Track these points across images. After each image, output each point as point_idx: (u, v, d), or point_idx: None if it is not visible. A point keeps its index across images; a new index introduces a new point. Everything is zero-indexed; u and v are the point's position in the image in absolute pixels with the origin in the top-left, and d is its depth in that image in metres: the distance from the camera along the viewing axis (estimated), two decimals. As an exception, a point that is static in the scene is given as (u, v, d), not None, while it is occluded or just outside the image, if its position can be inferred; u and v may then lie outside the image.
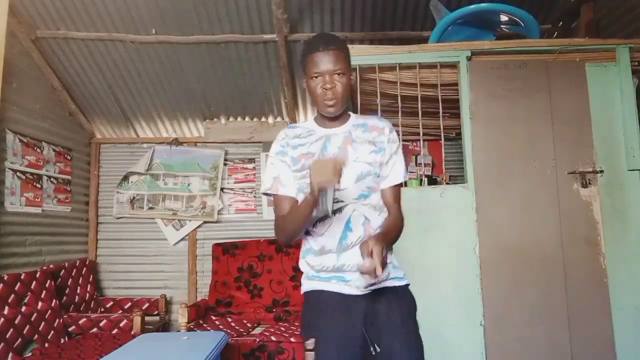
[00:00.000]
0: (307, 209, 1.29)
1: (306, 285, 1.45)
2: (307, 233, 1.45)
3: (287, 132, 1.49)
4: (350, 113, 1.51)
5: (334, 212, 1.37)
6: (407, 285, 1.45)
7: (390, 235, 1.36)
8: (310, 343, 1.33)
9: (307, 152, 1.42)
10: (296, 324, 3.59)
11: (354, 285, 1.35)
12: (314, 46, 1.37)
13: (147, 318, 3.38)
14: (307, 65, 1.39)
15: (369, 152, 1.42)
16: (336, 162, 1.20)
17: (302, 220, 1.34)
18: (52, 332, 3.12)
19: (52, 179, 3.73)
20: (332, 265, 1.38)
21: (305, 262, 1.45)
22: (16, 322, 2.86)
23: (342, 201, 1.37)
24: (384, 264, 1.17)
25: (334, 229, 1.38)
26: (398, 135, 1.52)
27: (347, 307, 1.35)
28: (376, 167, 1.42)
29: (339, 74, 1.36)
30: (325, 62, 1.35)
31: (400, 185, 1.48)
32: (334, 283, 1.38)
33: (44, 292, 3.16)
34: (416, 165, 4.27)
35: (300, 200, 1.39)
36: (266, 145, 4.43)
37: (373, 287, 1.36)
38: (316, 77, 1.38)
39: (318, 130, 1.46)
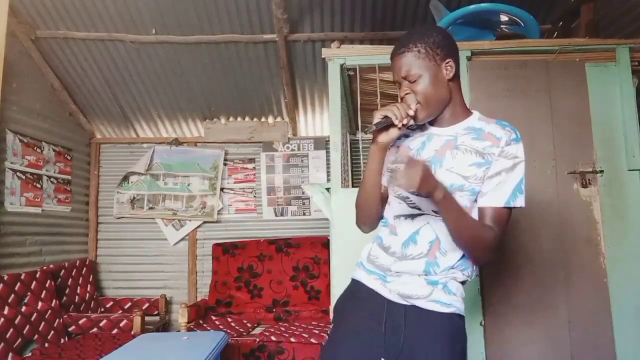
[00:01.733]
0: (369, 161, 1.27)
1: (355, 272, 1.41)
2: (385, 224, 1.37)
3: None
4: (474, 112, 1.32)
5: (407, 216, 1.29)
6: (455, 314, 1.27)
7: (462, 218, 1.17)
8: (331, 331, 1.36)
9: (406, 145, 1.34)
10: (296, 324, 3.59)
11: (389, 289, 1.29)
12: (393, 49, 1.26)
13: (147, 318, 3.39)
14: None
15: (470, 164, 1.22)
16: (424, 172, 1.09)
17: (367, 177, 1.30)
18: (52, 332, 3.12)
19: (52, 179, 3.73)
20: (385, 264, 1.31)
21: (370, 248, 1.38)
22: (16, 322, 2.86)
23: (418, 208, 1.27)
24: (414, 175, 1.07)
25: (402, 234, 1.29)
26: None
27: (375, 308, 1.29)
28: (473, 183, 1.22)
29: (412, 81, 1.22)
30: (396, 69, 1.25)
31: (506, 210, 1.24)
32: (374, 279, 1.33)
33: (44, 292, 3.16)
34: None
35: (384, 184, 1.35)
36: (266, 145, 4.44)
37: (411, 301, 1.26)
38: (397, 86, 1.28)
39: (427, 126, 1.33)
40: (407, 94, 1.24)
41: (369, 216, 1.37)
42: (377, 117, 1.21)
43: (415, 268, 1.26)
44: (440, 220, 1.23)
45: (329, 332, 1.36)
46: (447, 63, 1.24)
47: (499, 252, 1.28)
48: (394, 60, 1.25)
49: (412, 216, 1.29)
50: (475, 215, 1.25)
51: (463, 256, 1.27)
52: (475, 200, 1.25)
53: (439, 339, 1.23)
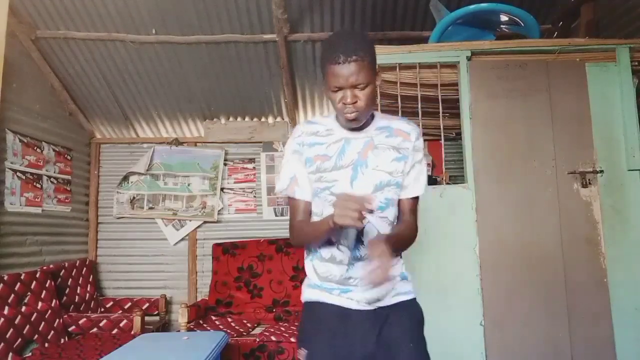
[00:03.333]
0: (324, 234, 1.23)
1: (307, 294, 1.38)
2: None
3: (304, 129, 1.37)
4: (374, 112, 1.38)
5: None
6: (414, 298, 1.38)
7: (400, 239, 1.29)
8: (303, 354, 1.30)
9: (323, 154, 1.32)
10: (296, 324, 3.59)
11: (357, 300, 1.29)
12: (334, 56, 1.20)
13: (147, 318, 3.39)
14: (326, 76, 1.24)
15: (391, 160, 1.32)
16: (362, 204, 1.10)
17: (317, 239, 1.31)
18: (52, 332, 3.12)
19: (52, 179, 3.73)
20: (339, 276, 1.31)
21: (312, 267, 1.38)
22: (16, 322, 2.86)
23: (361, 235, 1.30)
24: (388, 268, 1.11)
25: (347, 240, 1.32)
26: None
27: (346, 325, 1.29)
28: (397, 177, 1.32)
29: (361, 88, 1.22)
30: (346, 76, 1.20)
31: (418, 197, 1.38)
32: (336, 295, 1.32)
33: (44, 292, 3.16)
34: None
35: (316, 218, 1.35)
36: (266, 145, 4.44)
37: (379, 304, 1.30)
38: (336, 90, 1.24)
39: (338, 131, 1.34)
40: (354, 102, 1.22)
41: (316, 245, 1.38)
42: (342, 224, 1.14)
43: (369, 266, 1.24)
44: (377, 215, 1.30)
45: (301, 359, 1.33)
46: (378, 71, 1.30)
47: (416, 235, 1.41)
48: (342, 66, 1.19)
49: None
50: (396, 206, 1.36)
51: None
52: (398, 195, 1.35)
53: (411, 327, 1.33)
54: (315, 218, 1.37)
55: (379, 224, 1.31)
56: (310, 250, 1.40)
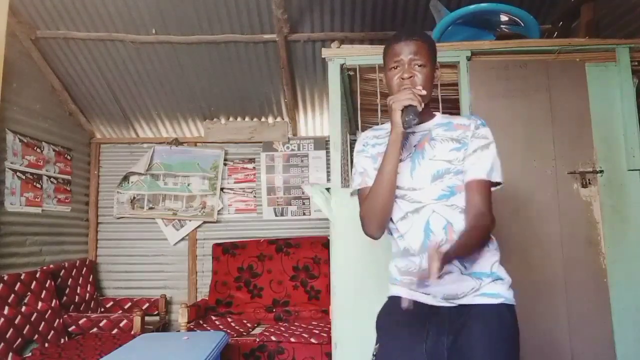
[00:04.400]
0: (389, 151, 1.26)
1: (390, 290, 1.41)
2: (392, 233, 1.38)
3: (367, 134, 1.47)
4: (437, 113, 1.41)
5: (412, 212, 1.30)
6: (504, 304, 1.25)
7: (463, 248, 1.20)
8: (376, 349, 1.32)
9: (384, 151, 1.33)
10: (296, 323, 3.59)
11: (433, 294, 1.27)
12: (397, 37, 1.30)
13: (147, 318, 3.39)
14: (387, 58, 1.30)
15: (450, 150, 1.31)
16: (411, 89, 1.21)
17: (384, 172, 1.27)
18: (52, 332, 3.12)
19: (52, 179, 3.73)
20: (417, 268, 1.30)
21: (394, 265, 1.40)
22: (16, 322, 2.86)
23: (419, 201, 1.30)
24: (439, 269, 1.04)
25: (416, 231, 1.30)
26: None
27: (417, 321, 1.27)
28: (457, 165, 1.30)
29: (420, 65, 1.27)
30: (405, 51, 1.27)
31: (487, 183, 1.31)
32: (413, 289, 1.30)
33: (44, 292, 3.16)
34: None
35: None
36: (266, 145, 4.44)
37: (457, 301, 1.26)
38: (395, 67, 1.29)
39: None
40: (412, 76, 1.27)
41: (384, 220, 1.33)
42: (399, 107, 1.23)
43: None
44: (443, 204, 1.29)
45: (374, 353, 1.32)
46: (438, 68, 1.35)
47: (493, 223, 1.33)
48: (404, 42, 1.28)
49: (417, 210, 1.31)
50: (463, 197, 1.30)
51: None
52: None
53: (485, 332, 1.20)
54: None
55: (448, 213, 1.29)
56: (392, 251, 1.41)
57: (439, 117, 1.40)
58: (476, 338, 1.20)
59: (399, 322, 1.31)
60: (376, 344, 1.33)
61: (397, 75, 1.29)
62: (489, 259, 1.30)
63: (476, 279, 1.26)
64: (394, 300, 1.35)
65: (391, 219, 1.35)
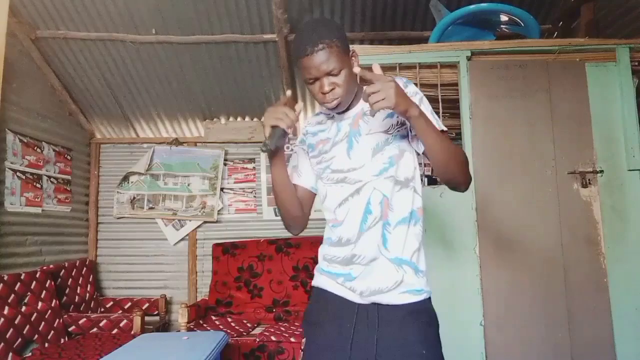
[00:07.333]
0: (271, 168, 1.31)
1: (315, 279, 1.38)
2: (327, 222, 1.37)
3: (310, 120, 1.45)
4: (364, 88, 1.41)
5: (353, 194, 1.28)
6: (427, 299, 1.28)
7: (435, 131, 1.18)
8: (303, 343, 1.32)
9: (325, 138, 1.36)
10: (296, 324, 3.59)
11: (359, 291, 1.25)
12: (301, 50, 1.22)
13: (147, 318, 3.39)
14: (301, 70, 1.27)
15: (383, 119, 1.29)
16: (284, 105, 1.20)
17: (274, 181, 1.33)
18: (52, 332, 3.12)
19: (52, 179, 3.73)
20: (343, 256, 1.27)
21: (322, 254, 1.37)
22: (16, 322, 2.86)
23: (360, 180, 1.27)
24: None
25: (354, 214, 1.27)
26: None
27: (343, 319, 1.26)
28: (395, 132, 1.28)
29: (335, 74, 1.23)
30: (317, 66, 1.21)
31: (445, 133, 1.25)
32: (340, 283, 1.28)
33: (44, 292, 3.16)
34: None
35: (305, 187, 1.40)
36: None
37: (383, 298, 1.23)
38: (312, 82, 1.26)
39: (335, 114, 1.36)
40: (332, 89, 1.23)
41: (293, 218, 1.38)
42: (267, 130, 1.22)
43: (374, 236, 1.25)
44: (383, 178, 1.25)
45: (302, 348, 1.32)
46: (352, 54, 1.28)
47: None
48: (311, 57, 1.21)
49: (357, 190, 1.28)
50: (407, 162, 1.28)
51: (411, 211, 1.27)
52: (404, 150, 1.29)
53: (413, 329, 1.23)
54: (320, 200, 1.39)
55: (385, 186, 1.25)
56: (324, 237, 1.39)
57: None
58: (409, 332, 1.22)
59: (325, 316, 1.29)
60: (304, 338, 1.32)
61: (317, 90, 1.25)
62: (412, 243, 1.27)
63: (397, 267, 1.24)
64: (320, 294, 1.34)
65: (328, 207, 1.34)
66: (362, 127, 1.31)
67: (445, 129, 1.27)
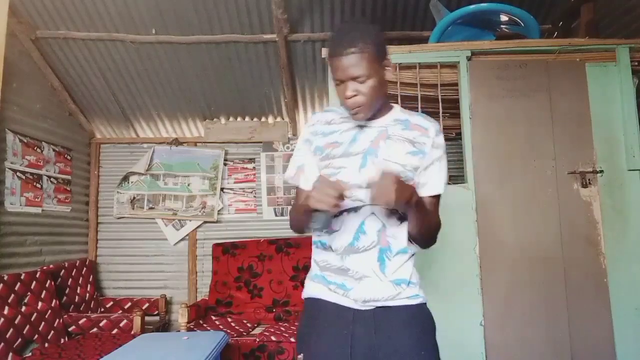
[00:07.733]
0: (304, 214, 1.23)
1: (307, 288, 1.35)
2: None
3: (319, 117, 1.36)
4: (394, 105, 1.35)
5: (349, 210, 1.26)
6: (423, 304, 1.30)
7: (422, 208, 1.22)
8: (300, 358, 1.28)
9: (334, 141, 1.29)
10: (296, 324, 3.59)
11: (354, 298, 1.24)
12: (334, 49, 1.20)
13: (147, 318, 3.39)
14: (331, 68, 1.24)
15: (405, 153, 1.26)
16: (338, 188, 1.11)
17: (300, 221, 1.30)
18: (52, 332, 3.12)
19: (52, 179, 3.73)
20: (336, 266, 1.27)
21: (314, 260, 1.36)
22: (16, 322, 2.86)
23: (361, 200, 1.25)
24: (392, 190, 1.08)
25: (348, 228, 1.26)
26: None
27: (340, 326, 1.24)
28: (410, 171, 1.26)
29: (361, 81, 1.19)
30: (344, 69, 1.18)
31: (439, 196, 1.32)
32: (333, 290, 1.27)
33: (44, 292, 3.16)
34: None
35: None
36: (266, 145, 4.44)
37: (377, 304, 1.24)
38: (338, 84, 1.23)
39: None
40: (354, 95, 1.20)
41: (303, 229, 1.36)
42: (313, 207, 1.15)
43: (369, 259, 1.25)
44: (384, 207, 1.23)
45: None
46: (386, 63, 1.24)
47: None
48: (340, 59, 1.18)
49: (356, 209, 1.26)
50: None
51: (409, 239, 1.30)
52: None
53: (412, 331, 1.24)
54: None
55: (386, 217, 1.25)
56: (313, 239, 1.37)
57: (397, 111, 1.33)
58: (406, 336, 1.23)
59: (321, 325, 1.27)
60: (299, 354, 1.29)
61: (342, 93, 1.22)
62: (409, 267, 1.29)
63: (396, 285, 1.25)
64: (313, 304, 1.31)
65: None
66: (382, 150, 1.26)
67: (441, 192, 1.31)
